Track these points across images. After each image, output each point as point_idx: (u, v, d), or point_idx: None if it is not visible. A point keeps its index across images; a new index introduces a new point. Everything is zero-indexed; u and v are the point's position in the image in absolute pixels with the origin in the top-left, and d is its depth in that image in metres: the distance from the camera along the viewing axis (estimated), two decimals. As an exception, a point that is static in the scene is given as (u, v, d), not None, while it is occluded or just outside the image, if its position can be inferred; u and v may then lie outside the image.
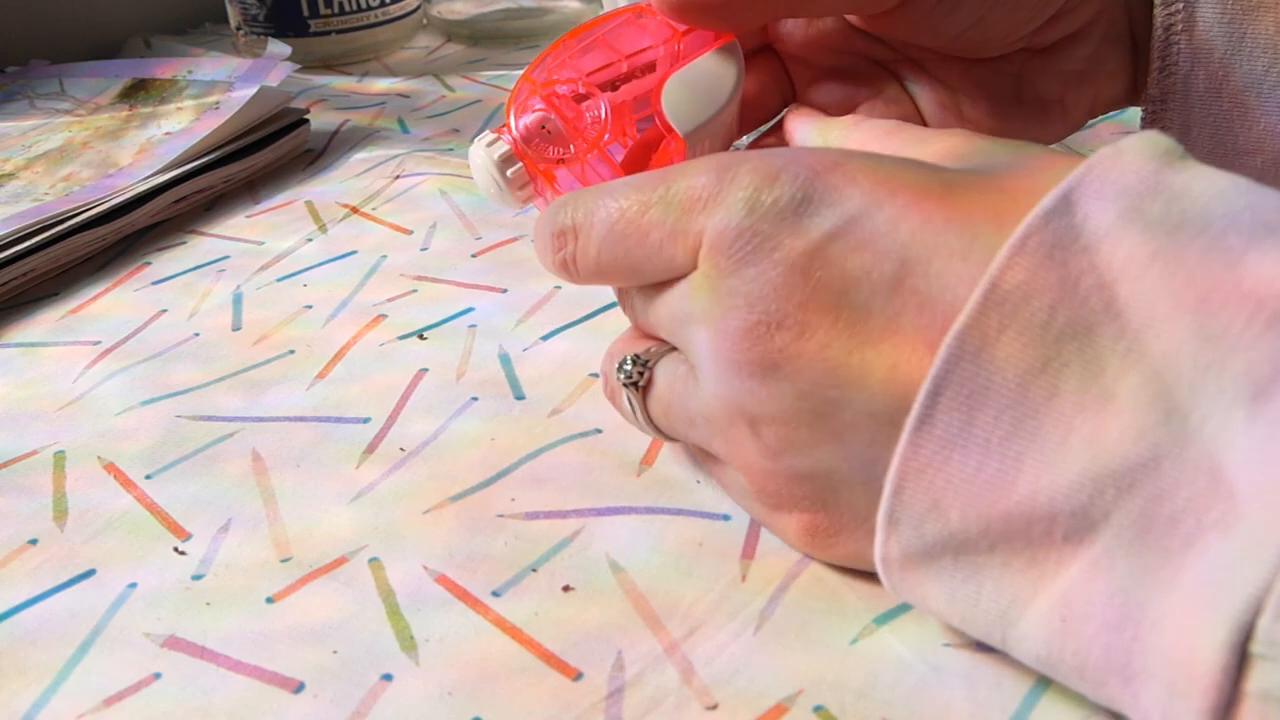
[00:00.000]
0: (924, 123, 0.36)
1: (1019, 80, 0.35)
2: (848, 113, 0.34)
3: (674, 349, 0.28)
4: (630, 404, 0.28)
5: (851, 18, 0.35)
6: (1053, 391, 0.20)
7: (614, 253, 0.27)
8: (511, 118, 0.32)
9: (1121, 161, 0.21)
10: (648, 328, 0.29)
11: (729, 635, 0.25)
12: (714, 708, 0.24)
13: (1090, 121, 0.50)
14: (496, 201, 0.33)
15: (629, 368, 0.28)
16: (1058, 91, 0.35)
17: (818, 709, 0.23)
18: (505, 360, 0.37)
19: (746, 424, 0.25)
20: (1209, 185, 0.20)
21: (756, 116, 0.36)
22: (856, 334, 0.23)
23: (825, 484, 0.25)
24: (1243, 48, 0.32)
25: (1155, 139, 0.22)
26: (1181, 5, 0.32)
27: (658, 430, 0.29)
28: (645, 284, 0.27)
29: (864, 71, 0.36)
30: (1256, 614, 0.17)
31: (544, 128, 0.32)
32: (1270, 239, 0.19)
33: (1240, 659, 0.17)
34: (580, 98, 0.32)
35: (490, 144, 0.32)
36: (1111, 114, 0.46)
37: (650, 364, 0.28)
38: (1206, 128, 0.34)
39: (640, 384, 0.28)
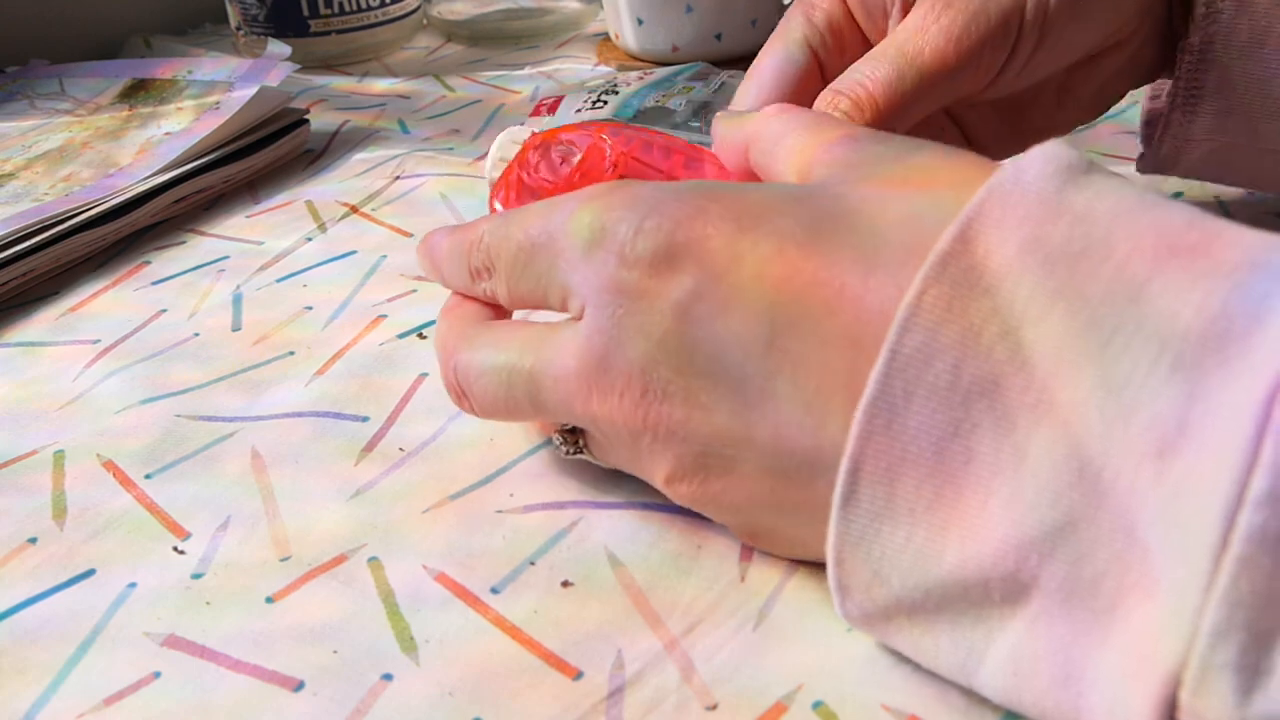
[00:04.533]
0: (964, 133, 0.36)
1: (1063, 89, 0.35)
2: None
3: None
4: (583, 457, 0.29)
5: None
6: (968, 456, 0.20)
7: (520, 290, 0.27)
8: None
9: (1022, 182, 0.20)
10: (518, 417, 0.29)
11: (728, 631, 0.25)
12: (714, 708, 0.24)
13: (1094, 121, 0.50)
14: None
15: (561, 447, 0.29)
16: (1097, 88, 0.36)
17: (817, 705, 0.23)
18: (505, 360, 0.36)
19: (661, 481, 0.26)
20: (1114, 204, 0.20)
21: None
22: (737, 398, 0.23)
23: (744, 519, 0.26)
24: None
25: (1058, 152, 0.21)
26: None
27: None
28: (544, 348, 0.27)
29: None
30: (1177, 688, 0.17)
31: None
32: (1173, 262, 0.19)
33: None
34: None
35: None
36: (1111, 114, 0.45)
37: (577, 428, 0.28)
38: (1243, 83, 0.33)
39: (580, 449, 0.28)
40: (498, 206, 0.34)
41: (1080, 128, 0.51)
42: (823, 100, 0.32)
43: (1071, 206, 0.20)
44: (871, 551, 0.21)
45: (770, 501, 0.24)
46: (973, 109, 0.36)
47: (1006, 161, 0.21)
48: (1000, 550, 0.20)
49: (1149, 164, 0.37)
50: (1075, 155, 0.21)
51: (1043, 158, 0.21)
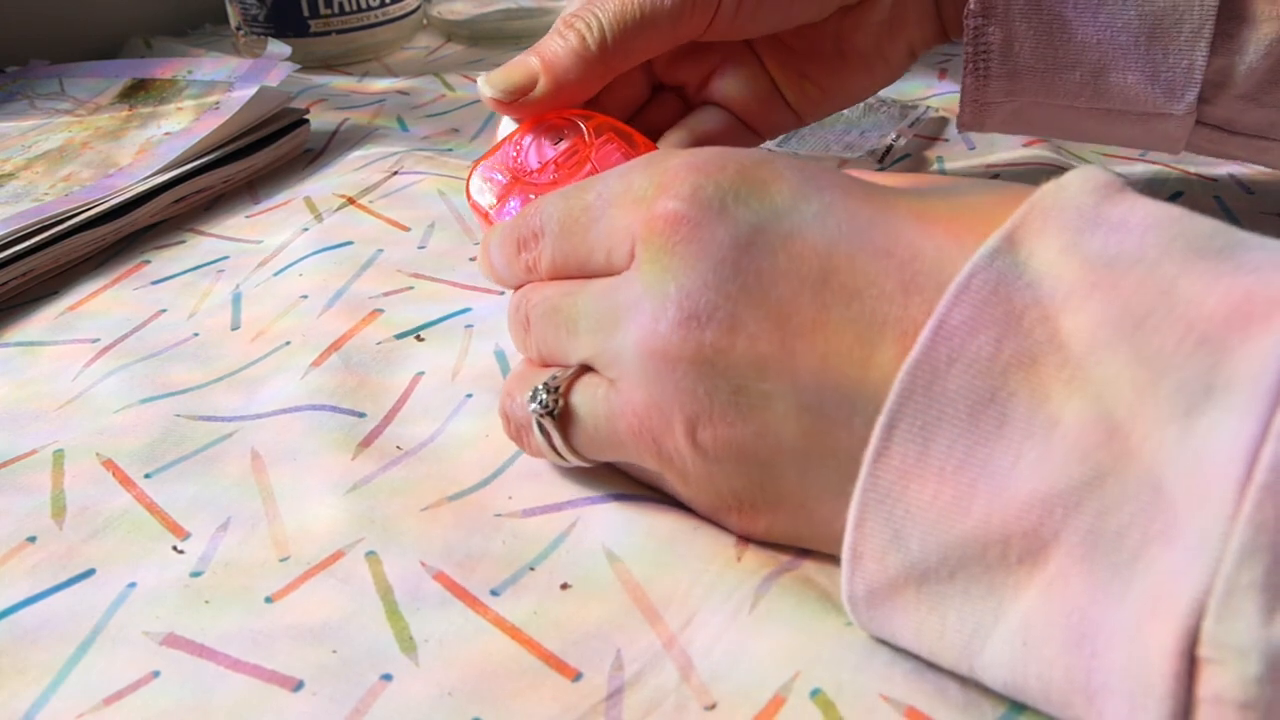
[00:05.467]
0: (773, 80, 0.40)
1: (838, 38, 0.38)
2: (707, 84, 0.39)
3: (582, 372, 0.28)
4: (547, 435, 0.28)
5: None
6: (1002, 420, 0.21)
7: (564, 249, 0.28)
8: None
9: (1063, 198, 0.22)
10: (559, 351, 0.28)
11: (725, 617, 0.25)
12: (712, 707, 0.24)
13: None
14: None
15: (544, 396, 0.28)
16: (873, 42, 0.39)
17: (814, 693, 0.24)
18: (500, 356, 0.37)
19: (682, 428, 0.25)
20: (1144, 216, 0.21)
21: (626, 103, 0.40)
22: (786, 327, 0.24)
23: (759, 478, 0.25)
24: None
25: (1095, 173, 0.23)
26: None
27: (580, 456, 0.28)
28: (588, 285, 0.28)
29: (714, 45, 0.39)
30: (1200, 618, 0.18)
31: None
32: (1200, 264, 0.20)
33: (1191, 664, 0.18)
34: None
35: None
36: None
37: (562, 389, 0.28)
38: (1028, 42, 0.35)
39: (557, 412, 0.28)
40: (474, 182, 0.35)
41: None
42: (556, 28, 0.36)
43: (1107, 218, 0.21)
44: (895, 510, 0.22)
45: (798, 449, 0.24)
46: (786, 71, 0.39)
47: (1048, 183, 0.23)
48: (1027, 504, 0.20)
49: (962, 124, 0.39)
50: (1110, 176, 0.22)
51: (1081, 178, 0.22)
